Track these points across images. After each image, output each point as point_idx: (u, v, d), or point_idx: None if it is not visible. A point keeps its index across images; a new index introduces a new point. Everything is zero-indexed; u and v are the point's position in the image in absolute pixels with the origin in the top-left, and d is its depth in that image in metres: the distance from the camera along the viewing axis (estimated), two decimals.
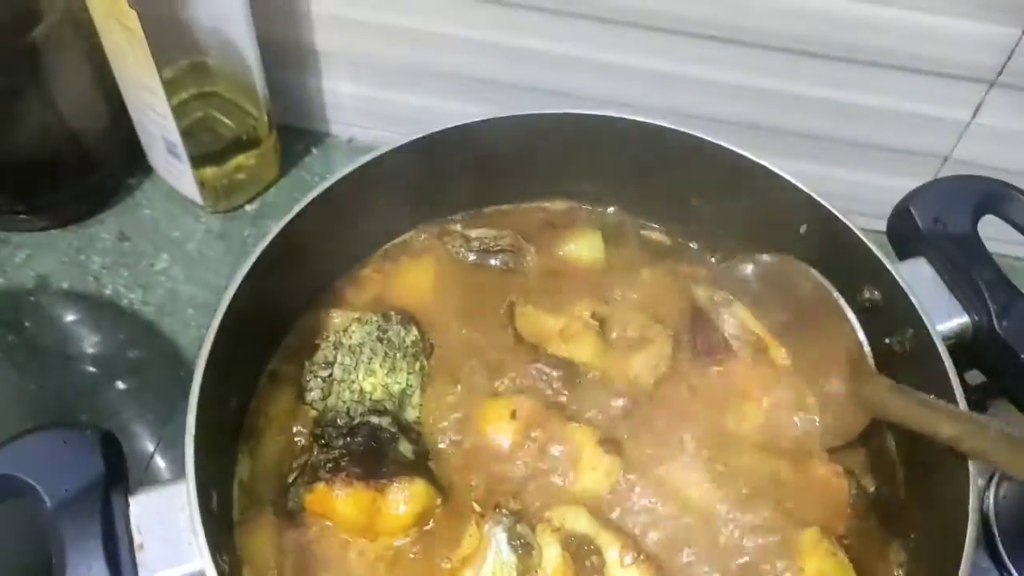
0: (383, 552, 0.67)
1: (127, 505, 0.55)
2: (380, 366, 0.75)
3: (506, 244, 0.85)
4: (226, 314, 0.61)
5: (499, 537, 0.65)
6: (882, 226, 0.80)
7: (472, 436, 0.72)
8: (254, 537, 0.66)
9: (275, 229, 0.70)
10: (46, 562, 0.54)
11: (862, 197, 1.06)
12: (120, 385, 0.94)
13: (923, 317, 0.66)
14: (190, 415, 0.57)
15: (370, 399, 0.73)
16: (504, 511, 0.67)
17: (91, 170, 1.04)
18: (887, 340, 0.70)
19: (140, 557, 0.54)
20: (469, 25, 0.98)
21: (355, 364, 0.74)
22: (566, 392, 0.74)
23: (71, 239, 1.04)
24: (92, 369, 0.95)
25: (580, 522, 0.66)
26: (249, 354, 0.71)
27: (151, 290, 1.01)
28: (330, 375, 0.75)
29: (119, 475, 0.55)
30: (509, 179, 0.86)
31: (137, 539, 0.54)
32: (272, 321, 0.76)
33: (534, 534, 0.66)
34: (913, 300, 0.67)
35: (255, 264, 0.67)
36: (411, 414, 0.74)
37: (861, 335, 0.69)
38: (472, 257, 0.84)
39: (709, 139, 0.75)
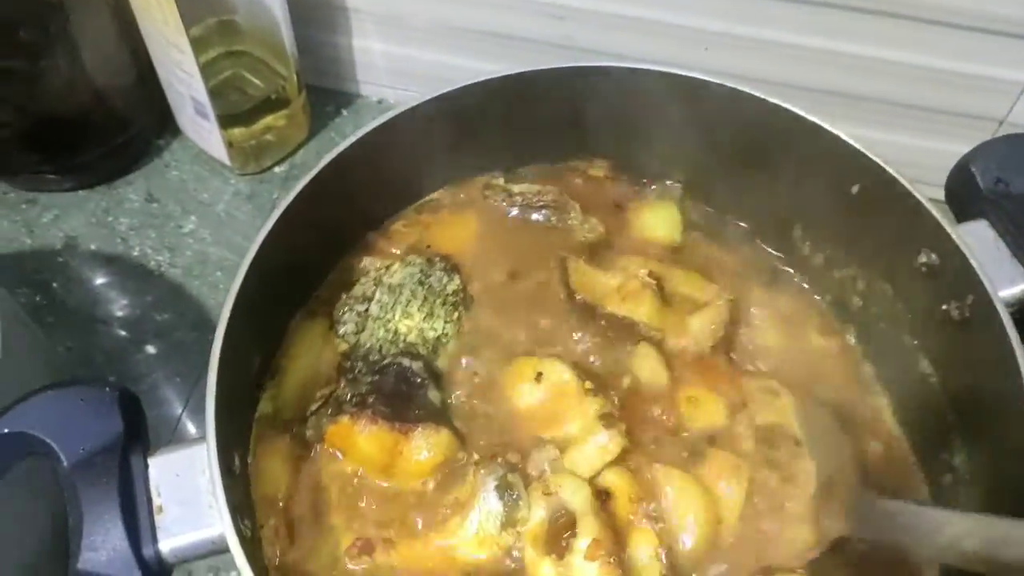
0: (387, 491, 0.66)
1: (146, 466, 0.53)
2: (418, 309, 0.73)
3: (549, 200, 0.82)
4: (247, 274, 0.59)
5: (489, 485, 0.63)
6: (935, 193, 0.76)
7: (496, 393, 0.70)
8: (268, 458, 0.65)
9: (300, 184, 0.67)
10: (64, 523, 0.52)
11: (915, 162, 1.02)
12: (148, 347, 0.93)
13: (984, 282, 0.62)
14: (210, 376, 0.54)
15: (404, 340, 0.71)
16: (500, 460, 0.65)
17: (119, 130, 1.02)
18: (944, 307, 0.66)
19: (159, 520, 0.52)
20: None
21: (393, 303, 0.73)
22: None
23: (99, 200, 1.02)
24: (120, 331, 0.94)
25: (576, 497, 0.62)
26: (273, 312, 0.69)
27: (179, 252, 0.99)
28: (366, 310, 0.73)
29: (138, 435, 0.53)
30: (552, 138, 0.82)
31: (156, 501, 0.52)
32: (300, 276, 0.73)
33: (527, 491, 0.64)
34: (973, 264, 0.63)
35: (279, 220, 0.64)
36: (443, 363, 0.72)
37: None
38: (515, 211, 0.82)
39: (758, 95, 0.71)
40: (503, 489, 0.63)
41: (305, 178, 0.67)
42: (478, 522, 0.62)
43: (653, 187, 0.84)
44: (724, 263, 0.80)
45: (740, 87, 0.71)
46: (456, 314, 0.75)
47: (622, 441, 0.65)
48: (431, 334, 0.73)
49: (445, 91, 0.74)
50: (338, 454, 0.66)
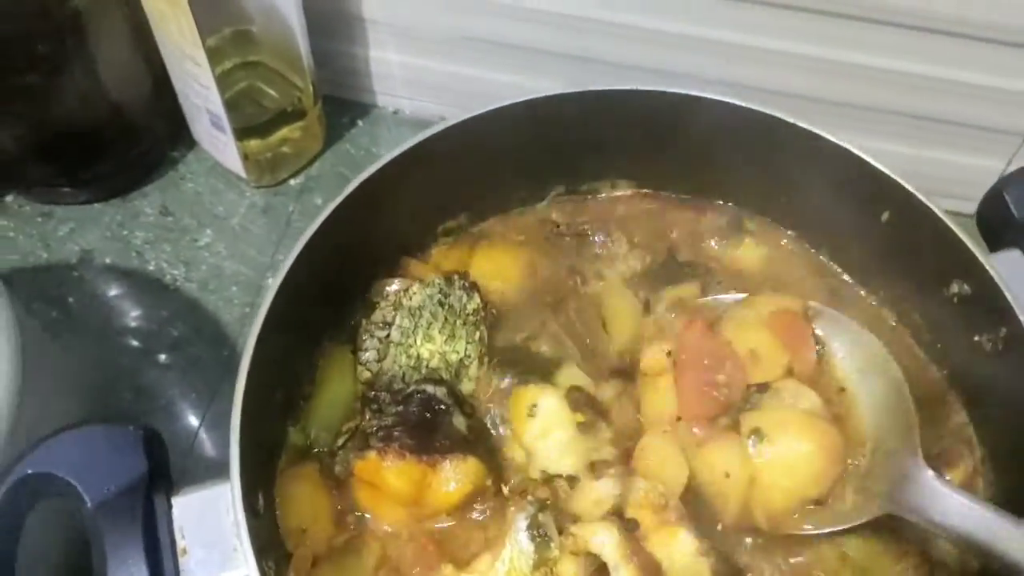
0: (418, 527, 0.66)
1: (170, 507, 0.52)
2: (439, 332, 0.72)
3: (596, 228, 0.82)
4: (271, 305, 0.58)
5: (520, 524, 0.63)
6: (964, 207, 0.75)
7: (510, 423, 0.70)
8: (296, 486, 0.65)
9: (328, 209, 0.67)
10: (87, 563, 0.51)
11: (944, 177, 1.01)
12: (163, 362, 0.92)
13: (1018, 313, 0.61)
14: (234, 414, 0.54)
15: (427, 367, 0.70)
16: (530, 498, 0.64)
17: (134, 142, 1.01)
18: (976, 338, 0.65)
19: (183, 562, 0.51)
20: None
21: (414, 328, 0.72)
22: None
23: (114, 213, 1.01)
24: (136, 346, 0.93)
25: (606, 547, 0.61)
26: (300, 342, 0.68)
27: (194, 266, 0.98)
28: (387, 336, 0.72)
29: (162, 474, 0.53)
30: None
31: (180, 543, 0.51)
32: (328, 303, 0.73)
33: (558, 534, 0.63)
34: (1007, 295, 0.62)
35: (305, 248, 0.64)
36: (467, 386, 0.72)
37: None
38: (564, 240, 0.82)
39: (782, 117, 0.70)
40: (534, 528, 0.63)
41: (332, 204, 0.67)
42: (509, 560, 0.61)
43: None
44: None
45: (770, 111, 0.70)
46: (478, 333, 0.74)
47: (615, 491, 0.64)
48: (454, 357, 0.72)
49: (479, 112, 0.73)
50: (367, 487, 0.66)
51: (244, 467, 0.53)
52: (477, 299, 0.75)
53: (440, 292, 0.74)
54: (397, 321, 0.73)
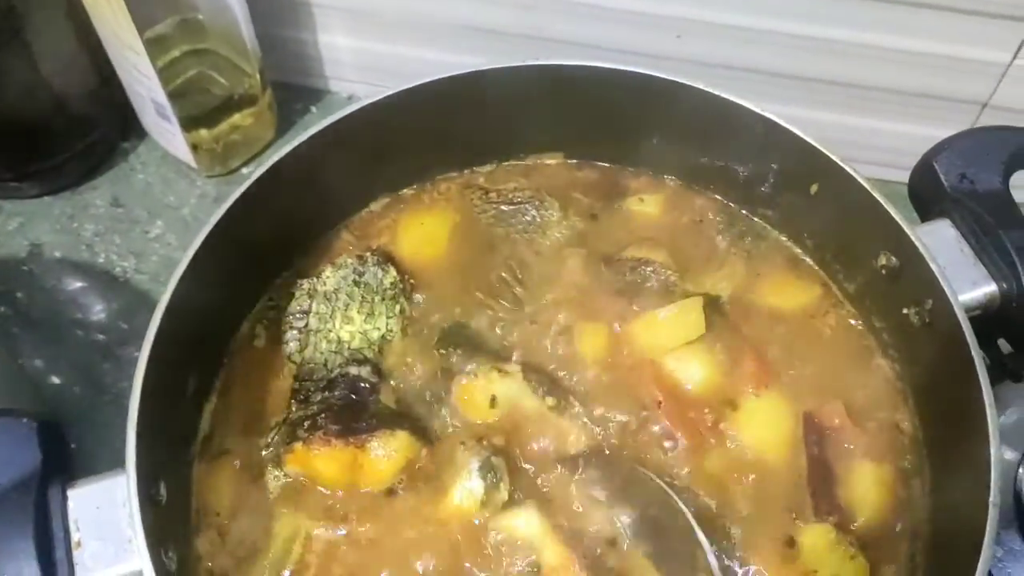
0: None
1: (65, 499, 0.51)
2: (357, 312, 0.71)
3: (527, 196, 0.80)
4: (176, 288, 0.57)
5: (472, 465, 0.63)
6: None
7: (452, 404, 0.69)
8: (213, 479, 0.65)
9: (242, 187, 0.67)
10: None
11: (899, 148, 0.99)
12: (114, 355, 0.91)
13: (944, 287, 0.59)
14: (132, 401, 0.53)
15: (348, 348, 0.70)
16: (485, 442, 0.65)
17: (82, 134, 1.00)
18: (904, 311, 0.63)
19: (77, 555, 0.51)
20: None
21: (331, 312, 0.71)
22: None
23: (63, 206, 1.01)
24: (86, 341, 0.92)
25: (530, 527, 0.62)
26: (214, 324, 0.67)
27: (145, 258, 0.98)
28: (306, 325, 0.71)
29: (58, 467, 0.52)
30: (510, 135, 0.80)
31: (75, 536, 0.51)
32: (244, 287, 0.72)
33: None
34: (933, 268, 0.60)
35: (218, 224, 0.63)
36: (392, 360, 0.71)
37: None
38: (491, 209, 0.79)
39: (699, 87, 0.68)
40: (485, 471, 0.63)
41: (243, 185, 0.67)
42: (458, 500, 0.62)
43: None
44: None
45: (688, 83, 0.68)
46: (398, 307, 0.73)
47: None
48: (375, 334, 0.71)
49: (396, 90, 0.73)
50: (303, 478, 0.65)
51: (141, 456, 0.52)
52: (393, 272, 0.75)
53: (354, 272, 0.74)
54: (314, 308, 0.72)
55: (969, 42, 0.89)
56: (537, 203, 0.79)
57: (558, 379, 0.68)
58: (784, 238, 0.75)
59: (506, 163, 0.83)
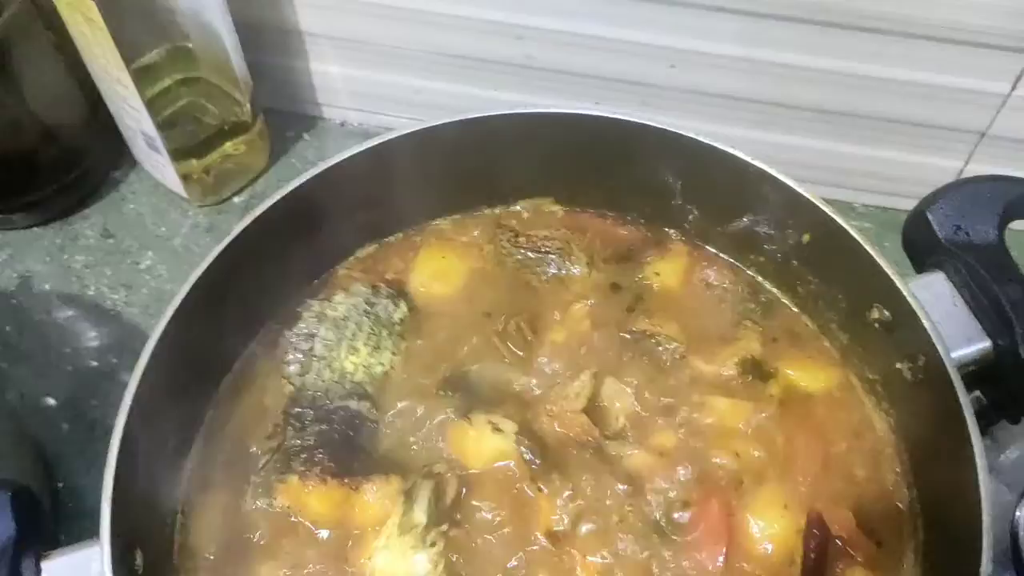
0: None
1: (39, 572, 0.51)
2: (364, 344, 0.70)
3: (554, 247, 0.77)
4: (149, 362, 0.56)
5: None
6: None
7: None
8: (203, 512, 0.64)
9: (241, 224, 0.65)
10: None
11: (898, 177, 0.99)
12: (105, 391, 0.90)
13: (936, 344, 0.58)
14: (107, 475, 0.52)
15: (351, 381, 0.69)
16: (425, 469, 0.64)
17: (71, 165, 1.00)
18: (897, 365, 0.62)
19: None
20: (456, 1, 0.91)
21: (338, 340, 0.70)
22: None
23: (54, 237, 1.00)
24: (75, 376, 0.92)
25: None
26: (198, 379, 0.66)
27: (135, 290, 0.97)
28: (311, 349, 0.70)
29: (33, 536, 0.51)
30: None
31: None
32: (241, 319, 0.71)
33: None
34: (926, 323, 0.59)
35: (216, 261, 0.62)
36: (390, 396, 0.70)
37: None
38: (518, 255, 0.77)
39: (687, 135, 0.67)
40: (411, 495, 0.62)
41: (255, 211, 0.65)
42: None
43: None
44: None
45: (684, 133, 0.67)
46: (404, 344, 0.72)
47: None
48: (378, 369, 0.70)
49: (412, 130, 0.70)
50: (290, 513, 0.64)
51: (117, 527, 0.51)
52: (404, 308, 0.73)
53: (365, 301, 0.73)
54: (321, 334, 0.71)
55: (968, 73, 0.88)
56: (564, 256, 0.77)
57: (549, 448, 0.66)
58: (796, 310, 0.73)
59: (541, 206, 0.81)
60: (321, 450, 0.64)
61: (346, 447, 0.65)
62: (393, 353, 0.71)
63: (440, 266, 0.77)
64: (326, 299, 0.73)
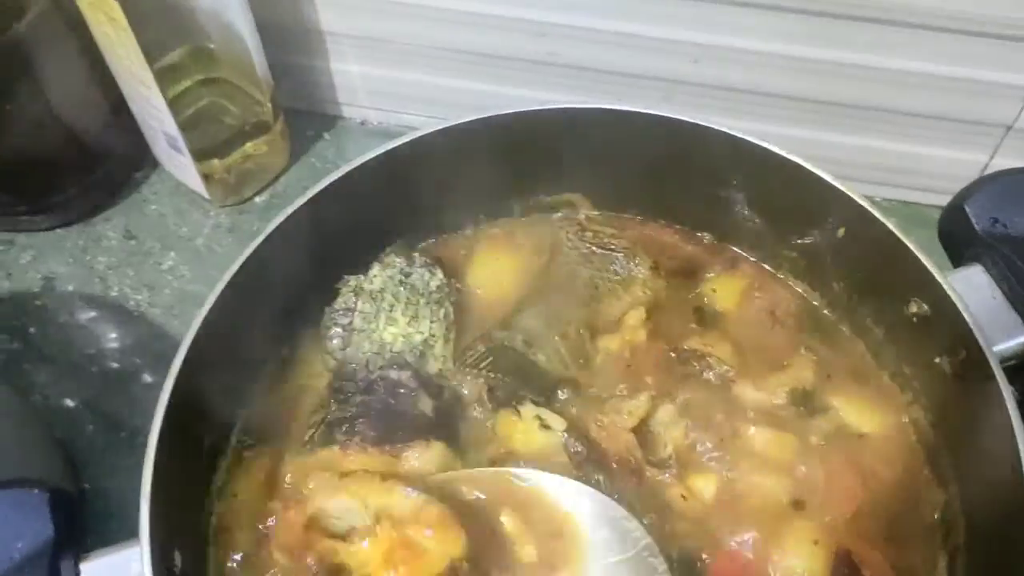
0: None
1: (78, 573, 0.50)
2: (402, 314, 0.71)
3: (621, 245, 0.77)
4: (185, 360, 0.56)
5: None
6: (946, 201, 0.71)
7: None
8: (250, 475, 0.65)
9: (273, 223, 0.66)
10: None
11: (924, 171, 0.98)
12: (129, 392, 0.90)
13: (978, 337, 0.57)
14: (145, 476, 0.51)
15: (390, 351, 0.70)
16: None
17: (94, 166, 1.00)
18: (937, 360, 0.62)
19: None
20: None
21: (376, 312, 0.71)
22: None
23: (76, 238, 1.00)
24: (98, 377, 0.91)
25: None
26: (230, 386, 0.66)
27: (158, 291, 0.97)
28: (350, 323, 0.71)
29: (71, 538, 0.51)
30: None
31: None
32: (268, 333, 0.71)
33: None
34: (966, 316, 0.58)
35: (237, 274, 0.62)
36: (433, 366, 0.71)
37: None
38: (584, 248, 0.77)
39: (716, 127, 0.66)
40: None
41: (286, 209, 0.67)
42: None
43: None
44: None
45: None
46: (442, 311, 0.72)
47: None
48: (418, 337, 0.71)
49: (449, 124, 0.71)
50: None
51: (156, 528, 0.51)
52: (440, 275, 0.74)
53: (401, 272, 0.73)
54: (359, 307, 0.71)
55: (993, 66, 0.87)
56: (630, 256, 0.76)
57: (602, 455, 0.66)
58: (856, 339, 0.72)
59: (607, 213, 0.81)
60: (362, 419, 0.65)
61: (387, 415, 0.66)
62: (432, 321, 0.71)
63: (499, 262, 0.78)
64: (362, 274, 0.73)
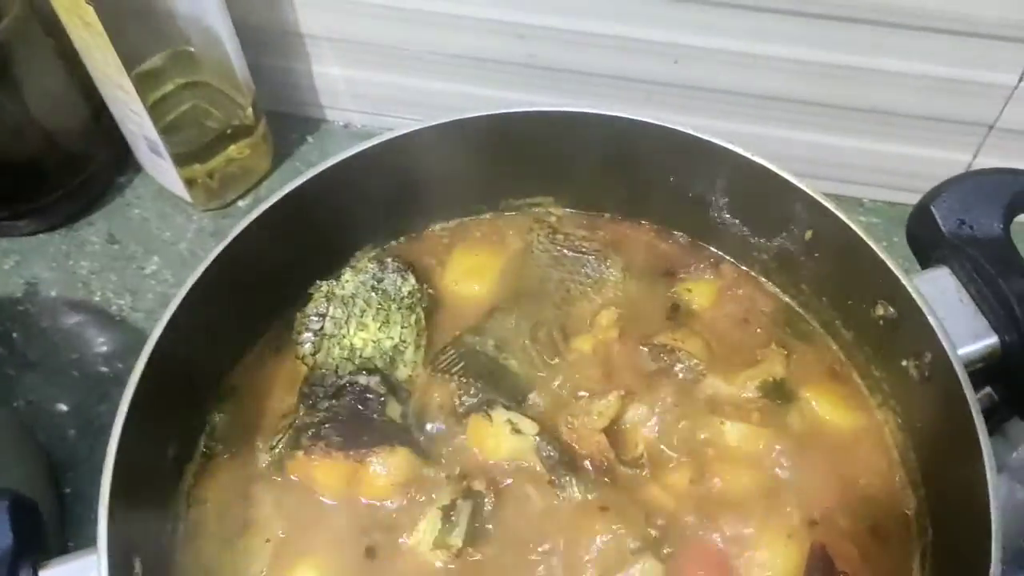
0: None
1: None
2: (373, 319, 0.71)
3: (593, 248, 0.77)
4: (147, 364, 0.56)
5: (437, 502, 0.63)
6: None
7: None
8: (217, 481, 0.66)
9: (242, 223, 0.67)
10: None
11: (905, 171, 0.98)
12: (110, 398, 0.91)
13: (942, 341, 0.57)
14: (104, 482, 0.52)
15: (360, 356, 0.70)
16: (465, 484, 0.64)
17: (76, 171, 1.00)
18: (903, 363, 0.61)
19: None
20: (458, 1, 0.91)
21: (346, 318, 0.71)
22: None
23: (59, 243, 1.00)
24: (81, 382, 0.92)
25: None
26: (191, 394, 0.66)
27: (141, 296, 0.97)
28: (321, 328, 0.71)
29: (30, 545, 0.51)
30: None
31: None
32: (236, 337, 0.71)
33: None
34: (931, 319, 0.58)
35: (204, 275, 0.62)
36: (403, 372, 0.70)
37: None
38: (556, 251, 0.77)
39: (681, 129, 0.66)
40: (447, 511, 0.63)
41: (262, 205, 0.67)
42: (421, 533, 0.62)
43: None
44: None
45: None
46: (413, 316, 0.72)
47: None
48: (388, 343, 0.70)
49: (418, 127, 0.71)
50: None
51: (116, 534, 0.51)
52: (412, 281, 0.73)
53: (373, 277, 0.73)
54: (330, 312, 0.71)
55: (975, 65, 0.86)
56: (601, 259, 0.76)
57: (574, 457, 0.66)
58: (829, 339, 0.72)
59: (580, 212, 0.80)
60: (329, 425, 0.65)
61: (355, 421, 0.66)
62: (403, 327, 0.71)
63: (472, 264, 0.78)
64: (334, 278, 0.74)
